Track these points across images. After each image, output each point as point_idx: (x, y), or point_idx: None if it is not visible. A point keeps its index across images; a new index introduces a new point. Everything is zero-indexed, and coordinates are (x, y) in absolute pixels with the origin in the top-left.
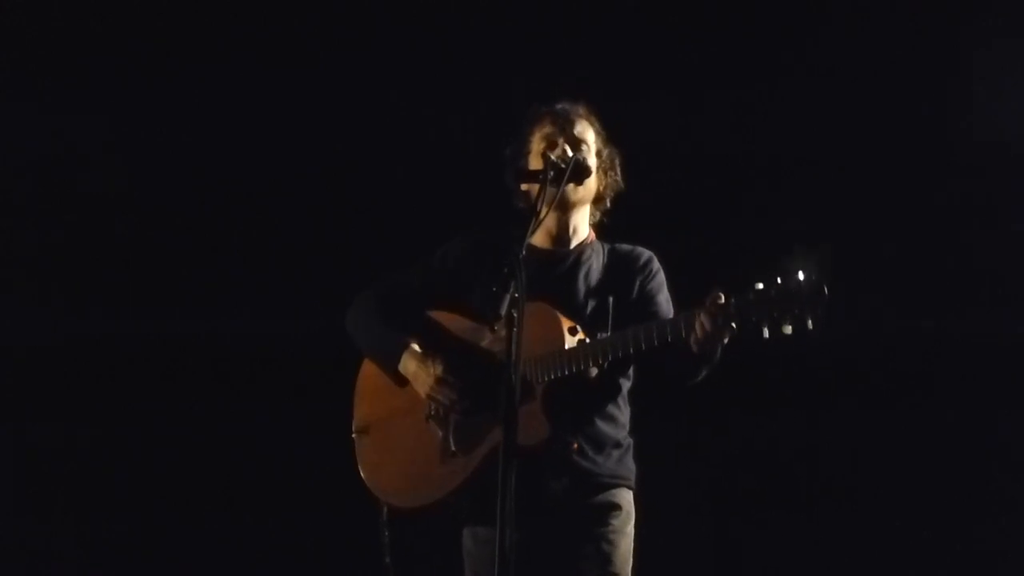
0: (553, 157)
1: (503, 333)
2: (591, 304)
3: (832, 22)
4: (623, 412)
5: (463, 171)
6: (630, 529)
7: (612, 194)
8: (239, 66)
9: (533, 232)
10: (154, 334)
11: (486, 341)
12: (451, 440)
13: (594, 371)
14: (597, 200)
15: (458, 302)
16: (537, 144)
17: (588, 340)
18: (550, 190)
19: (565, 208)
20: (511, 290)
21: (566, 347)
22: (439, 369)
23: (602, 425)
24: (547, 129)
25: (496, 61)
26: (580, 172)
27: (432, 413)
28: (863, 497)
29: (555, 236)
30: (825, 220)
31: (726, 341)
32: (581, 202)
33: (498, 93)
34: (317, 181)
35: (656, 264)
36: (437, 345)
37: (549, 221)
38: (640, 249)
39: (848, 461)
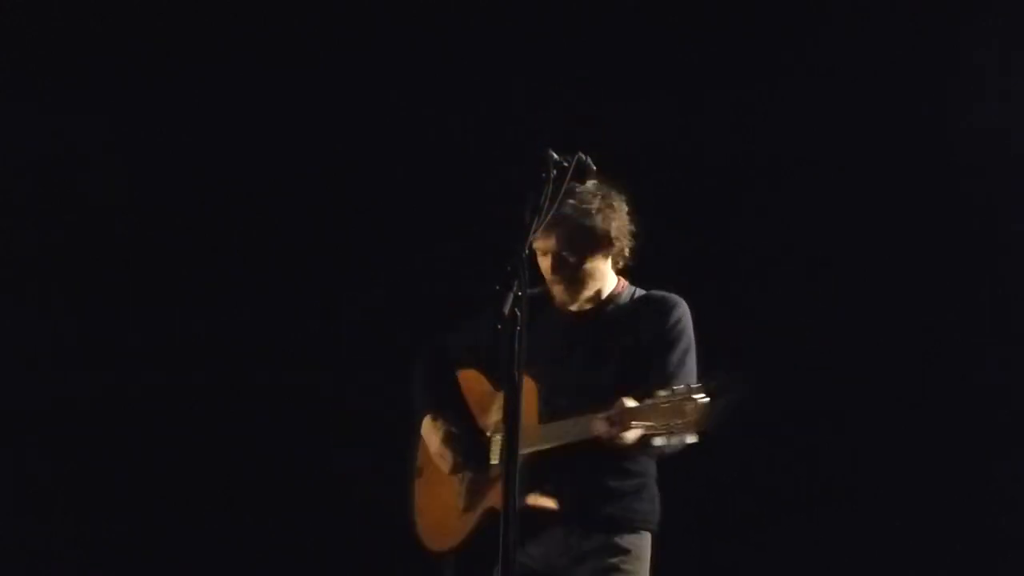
0: (556, 156)
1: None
2: (597, 372)
3: (832, 22)
4: (637, 462)
5: (463, 171)
6: (638, 570)
7: (629, 245)
8: (239, 66)
9: (536, 231)
10: (154, 334)
11: (495, 406)
12: (462, 497)
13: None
14: (617, 255)
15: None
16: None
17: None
18: (553, 188)
19: (578, 284)
20: (514, 289)
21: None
22: (440, 435)
23: (609, 480)
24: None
25: (496, 61)
26: (582, 172)
27: (452, 471)
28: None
29: (578, 299)
30: (825, 220)
31: (628, 442)
32: (592, 277)
33: (498, 93)
34: (317, 181)
35: (677, 317)
36: (451, 408)
37: (571, 288)
38: (669, 300)
39: (846, 466)
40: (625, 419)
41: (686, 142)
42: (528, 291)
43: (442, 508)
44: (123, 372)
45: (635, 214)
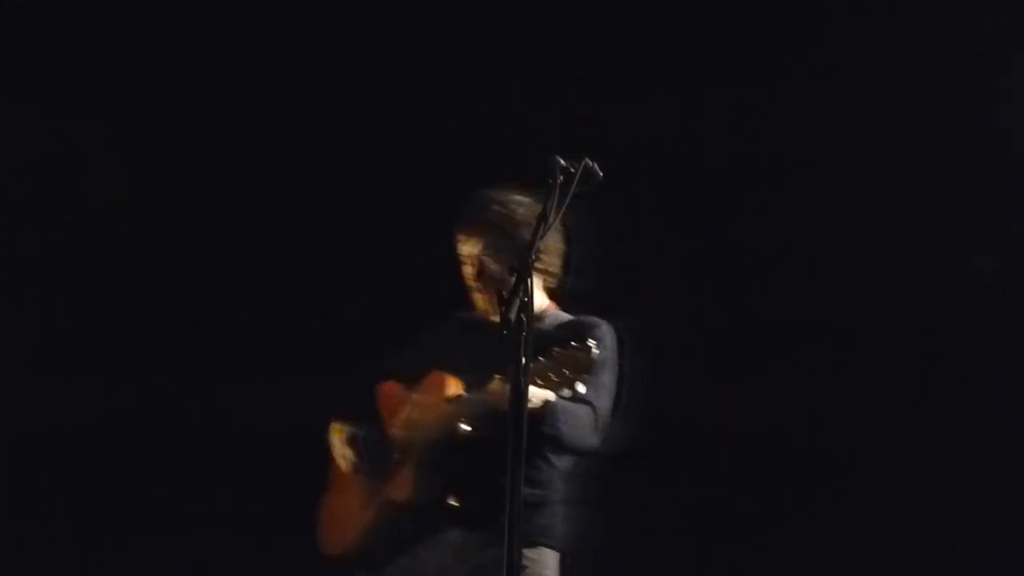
0: (562, 162)
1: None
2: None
3: (832, 22)
4: (543, 471)
5: (463, 171)
6: None
7: (558, 264)
8: (239, 66)
9: (542, 236)
10: (154, 334)
11: (406, 405)
12: (362, 496)
13: (463, 429)
14: (543, 273)
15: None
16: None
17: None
18: (559, 195)
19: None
20: (520, 294)
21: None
22: (342, 437)
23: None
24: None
25: (496, 61)
26: (589, 177)
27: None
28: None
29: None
30: (825, 220)
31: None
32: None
33: (498, 93)
34: (317, 181)
35: (598, 337)
36: (360, 415)
37: (491, 297)
38: (592, 321)
39: (846, 465)
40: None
41: (686, 142)
42: (459, 314)
43: (344, 511)
44: (123, 372)
45: (568, 237)
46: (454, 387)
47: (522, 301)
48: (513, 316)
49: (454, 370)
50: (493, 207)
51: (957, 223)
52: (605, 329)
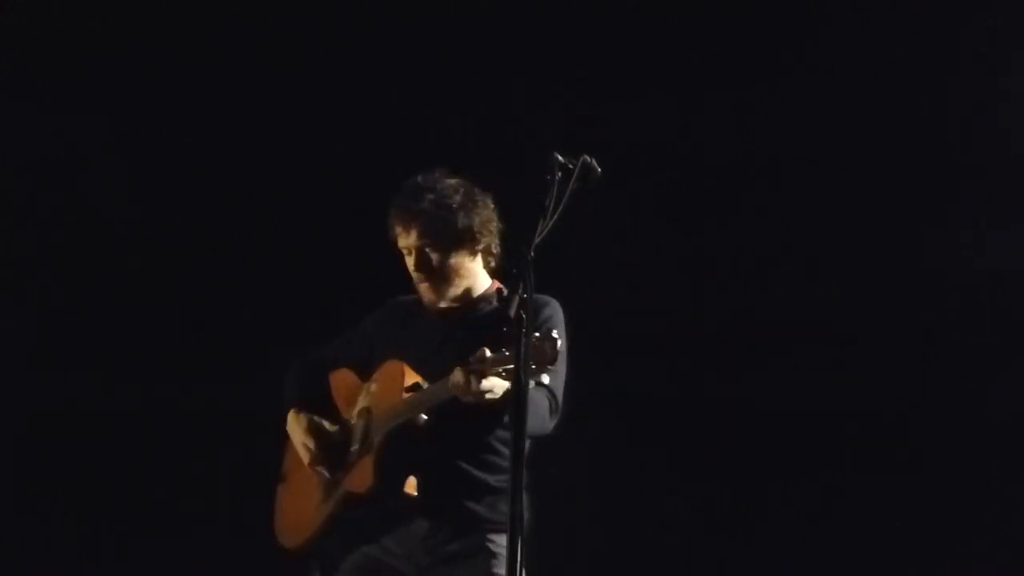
0: (561, 158)
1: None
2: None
3: (832, 22)
4: (505, 458)
5: (463, 171)
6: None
7: (497, 243)
8: (239, 66)
9: (542, 234)
10: (154, 334)
11: (361, 395)
12: (321, 489)
13: (422, 418)
14: (485, 254)
15: (368, 362)
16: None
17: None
18: (559, 191)
19: (443, 282)
20: (519, 291)
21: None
22: (302, 427)
23: (476, 472)
24: None
25: (496, 61)
26: (587, 173)
27: (312, 463)
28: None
29: (444, 297)
30: (825, 220)
31: (487, 395)
32: (459, 274)
33: (498, 93)
34: (317, 181)
35: (547, 315)
36: (317, 405)
37: (436, 285)
38: (540, 299)
39: (846, 465)
40: (484, 367)
41: (686, 142)
42: (401, 298)
43: (302, 504)
44: (123, 372)
45: (502, 214)
46: (412, 377)
47: (521, 298)
48: (513, 313)
49: (400, 355)
50: (428, 196)
51: (957, 223)
52: (555, 307)
